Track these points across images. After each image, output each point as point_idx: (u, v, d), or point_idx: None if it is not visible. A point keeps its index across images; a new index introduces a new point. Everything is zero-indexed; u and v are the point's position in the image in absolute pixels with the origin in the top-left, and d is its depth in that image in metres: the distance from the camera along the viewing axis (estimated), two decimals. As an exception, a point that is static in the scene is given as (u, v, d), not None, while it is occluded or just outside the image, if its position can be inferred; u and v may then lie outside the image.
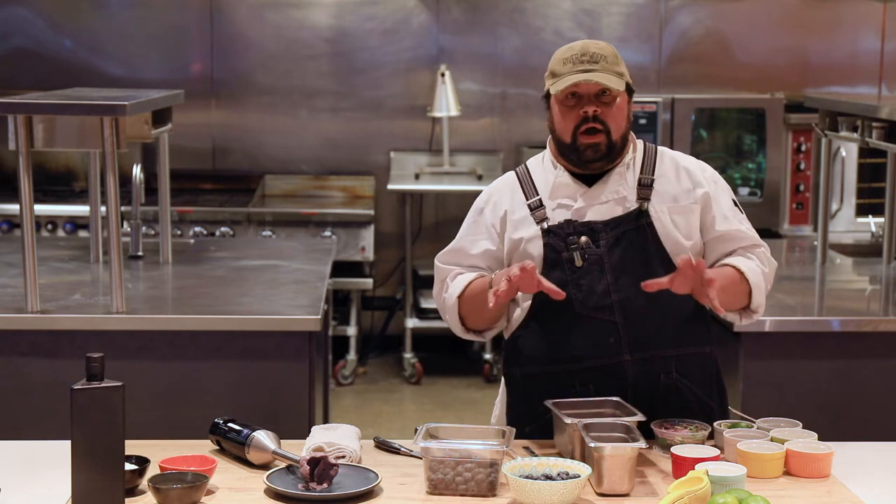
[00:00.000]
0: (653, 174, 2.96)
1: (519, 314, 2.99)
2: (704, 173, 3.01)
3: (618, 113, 2.89)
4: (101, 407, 2.37)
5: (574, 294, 2.89)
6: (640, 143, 3.01)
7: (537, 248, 2.92)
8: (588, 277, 2.89)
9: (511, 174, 3.06)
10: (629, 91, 2.94)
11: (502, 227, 2.99)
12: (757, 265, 2.95)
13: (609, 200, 2.94)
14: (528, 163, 3.06)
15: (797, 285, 4.40)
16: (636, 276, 2.88)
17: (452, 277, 3.00)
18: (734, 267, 2.92)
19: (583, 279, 2.89)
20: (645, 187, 2.94)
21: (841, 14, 7.48)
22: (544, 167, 3.01)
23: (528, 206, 2.96)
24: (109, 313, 3.68)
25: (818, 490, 2.60)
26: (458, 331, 3.04)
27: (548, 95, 2.93)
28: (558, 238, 2.91)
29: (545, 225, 2.93)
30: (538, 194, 2.97)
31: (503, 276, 2.77)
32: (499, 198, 3.02)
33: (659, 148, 3.04)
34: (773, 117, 6.89)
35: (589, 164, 2.92)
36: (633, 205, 2.93)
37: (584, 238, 2.90)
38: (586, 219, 2.92)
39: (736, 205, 3.02)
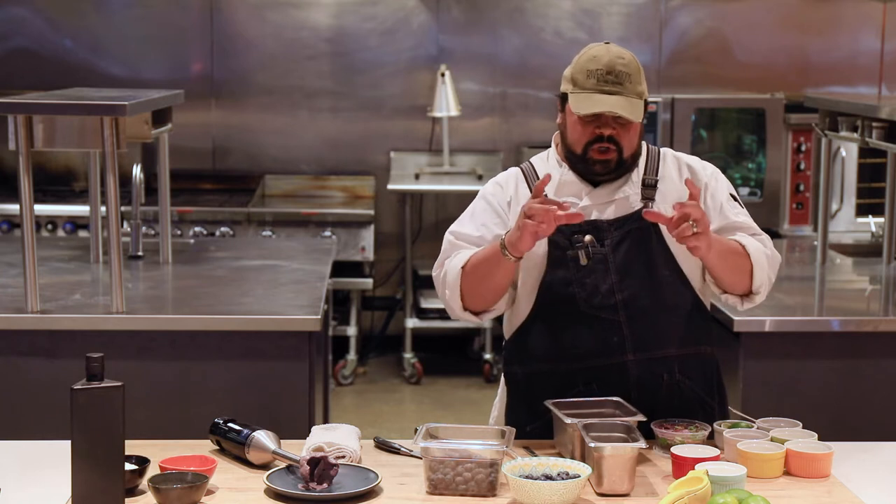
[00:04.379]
0: (656, 175, 2.96)
1: (520, 313, 2.98)
2: (705, 170, 3.02)
3: (632, 134, 2.89)
4: (101, 407, 2.37)
5: (578, 292, 2.89)
6: (643, 145, 3.01)
7: (541, 245, 2.91)
8: (593, 276, 2.89)
9: (516, 169, 3.05)
10: (645, 105, 2.91)
11: (510, 214, 2.97)
12: (760, 245, 2.94)
13: (614, 200, 2.94)
14: (532, 160, 3.06)
15: (797, 285, 4.40)
16: (641, 275, 2.88)
17: (456, 253, 2.95)
18: (737, 241, 2.90)
19: (587, 278, 2.89)
20: (649, 188, 2.95)
21: (841, 14, 7.48)
22: (549, 165, 3.00)
23: (534, 202, 2.95)
24: (109, 313, 3.68)
25: (818, 490, 2.60)
26: (456, 308, 2.93)
27: (564, 96, 2.90)
28: (563, 235, 2.90)
29: (550, 221, 2.92)
30: (543, 191, 2.96)
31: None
32: (506, 187, 3.01)
33: (661, 149, 3.04)
34: (773, 117, 6.88)
35: (597, 176, 2.92)
36: (637, 205, 2.93)
37: (588, 236, 2.89)
38: (591, 217, 2.92)
39: (736, 200, 3.02)
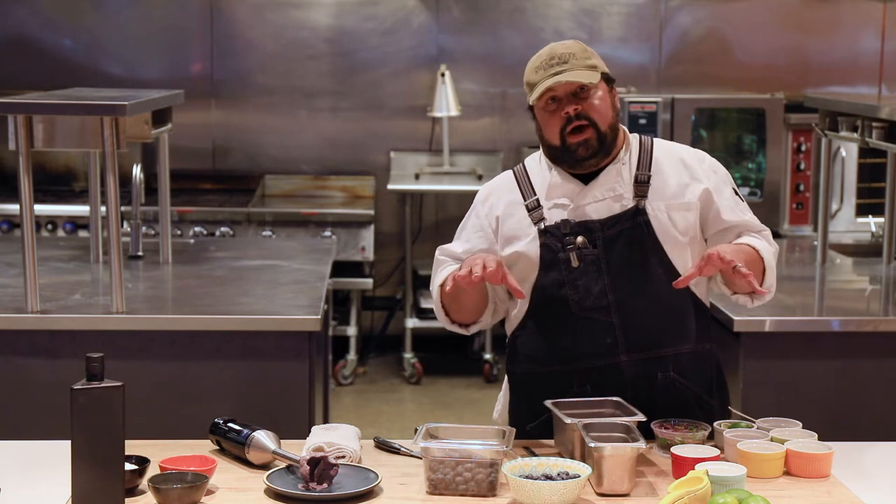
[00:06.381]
0: (649, 170, 2.94)
1: (517, 314, 2.98)
2: (702, 164, 3.00)
3: (600, 105, 2.88)
4: (101, 407, 2.37)
5: (571, 295, 2.89)
6: (634, 138, 2.99)
7: (535, 248, 2.92)
8: (585, 278, 2.88)
9: (509, 173, 3.05)
10: (608, 81, 2.93)
11: (497, 228, 2.98)
12: (767, 245, 2.95)
13: (605, 198, 2.92)
14: (525, 161, 3.05)
15: (797, 285, 4.39)
16: (633, 275, 2.88)
17: (442, 270, 3.00)
18: (749, 245, 2.91)
19: (580, 279, 2.89)
20: (641, 184, 2.93)
21: (841, 14, 7.48)
22: (541, 166, 3.00)
23: (526, 206, 2.95)
24: (109, 313, 3.68)
25: (818, 490, 2.60)
26: (444, 321, 3.03)
27: (532, 107, 2.93)
28: (555, 238, 2.90)
29: (542, 225, 2.92)
30: (535, 194, 2.96)
31: (472, 265, 2.75)
32: (496, 198, 3.01)
33: (655, 140, 3.01)
34: (773, 117, 6.88)
35: (583, 161, 2.90)
36: (629, 202, 2.92)
37: (580, 238, 2.89)
38: (583, 217, 2.91)
39: (736, 193, 3.01)
